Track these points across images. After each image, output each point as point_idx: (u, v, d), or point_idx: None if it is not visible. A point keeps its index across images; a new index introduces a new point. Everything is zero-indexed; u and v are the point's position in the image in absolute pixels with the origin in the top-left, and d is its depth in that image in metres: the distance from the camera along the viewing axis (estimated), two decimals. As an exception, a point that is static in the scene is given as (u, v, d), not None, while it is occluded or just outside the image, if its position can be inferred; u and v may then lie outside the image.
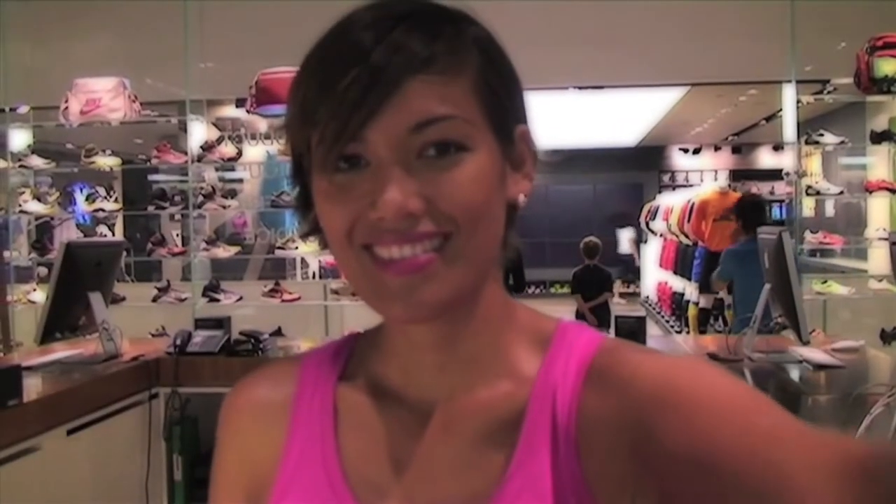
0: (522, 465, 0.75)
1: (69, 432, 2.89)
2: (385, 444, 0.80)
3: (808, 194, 5.63)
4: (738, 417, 0.63)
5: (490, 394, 0.78)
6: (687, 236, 9.24)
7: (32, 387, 2.89)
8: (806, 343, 3.32)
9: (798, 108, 5.21)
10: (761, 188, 11.66)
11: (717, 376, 0.69)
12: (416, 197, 0.69)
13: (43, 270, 6.39)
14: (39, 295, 5.25)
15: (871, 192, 5.57)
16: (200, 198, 5.26)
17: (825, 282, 5.41)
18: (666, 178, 13.78)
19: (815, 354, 3.43)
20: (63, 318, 3.47)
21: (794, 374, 3.31)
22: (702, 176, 13.04)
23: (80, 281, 3.46)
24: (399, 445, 0.80)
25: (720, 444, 0.62)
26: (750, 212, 5.57)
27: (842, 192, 5.83)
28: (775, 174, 9.91)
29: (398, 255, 0.70)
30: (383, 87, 0.68)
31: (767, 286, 3.57)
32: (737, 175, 13.03)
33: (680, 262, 9.99)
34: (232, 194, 5.57)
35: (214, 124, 6.10)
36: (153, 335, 4.77)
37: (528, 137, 0.79)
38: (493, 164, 0.73)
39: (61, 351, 3.58)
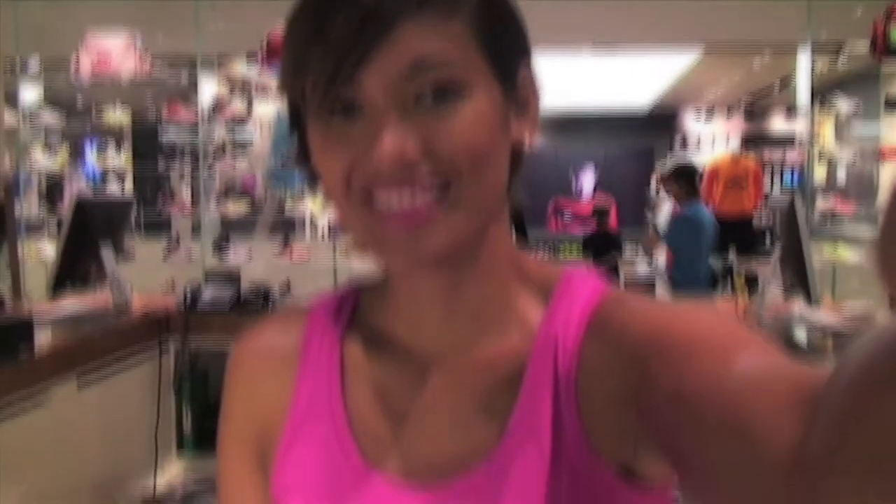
0: (523, 416, 0.75)
1: (79, 383, 2.91)
2: (390, 398, 0.81)
3: (819, 161, 5.60)
4: (722, 360, 0.63)
5: (494, 346, 0.79)
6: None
7: (43, 338, 2.91)
8: (815, 304, 3.32)
9: (812, 73, 5.17)
10: (773, 155, 11.59)
11: (712, 320, 0.69)
12: (414, 142, 0.68)
13: (53, 226, 6.42)
14: (50, 250, 5.27)
15: (883, 160, 5.54)
16: (211, 156, 5.25)
17: (835, 248, 5.40)
18: (677, 143, 13.70)
19: (824, 318, 3.43)
20: (73, 270, 3.48)
21: (802, 336, 3.31)
22: (713, 142, 12.95)
23: (90, 234, 3.48)
24: (403, 398, 0.80)
25: (705, 387, 0.62)
26: (690, 178, 5.63)
27: (854, 159, 5.80)
28: (787, 141, 9.85)
29: (397, 203, 0.69)
30: (376, 29, 0.66)
31: (777, 251, 3.56)
32: (749, 141, 12.95)
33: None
34: (242, 152, 5.57)
35: (225, 81, 6.07)
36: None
37: (531, 79, 0.78)
38: (494, 107, 0.72)
39: (72, 303, 3.60)
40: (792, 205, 3.34)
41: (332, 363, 0.83)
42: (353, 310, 0.86)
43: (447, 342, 0.79)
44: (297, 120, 0.77)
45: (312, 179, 0.77)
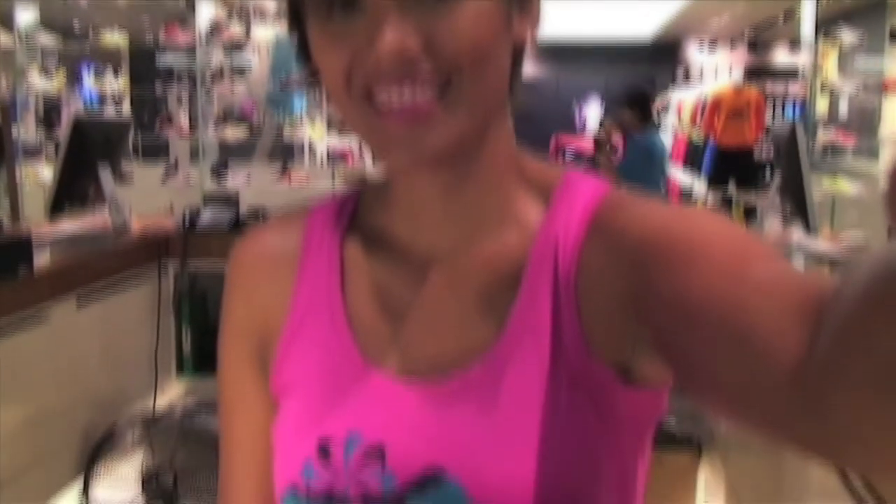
0: (523, 315, 0.75)
1: (79, 302, 2.92)
2: (389, 297, 0.81)
3: (822, 93, 5.56)
4: (728, 266, 0.62)
5: (494, 247, 0.79)
6: (699, 131, 9.18)
7: (42, 257, 2.92)
8: (814, 234, 3.33)
9: (817, 4, 5.10)
10: (775, 88, 11.52)
11: (715, 224, 0.69)
12: (415, 37, 0.67)
13: (51, 149, 6.39)
14: (48, 174, 5.26)
15: (887, 92, 5.50)
16: (209, 80, 5.21)
17: (835, 179, 5.39)
18: (679, 74, 13.60)
19: (823, 247, 3.44)
20: (72, 192, 3.48)
21: (800, 265, 3.32)
22: (716, 73, 12.86)
23: (88, 154, 3.46)
24: (403, 298, 0.80)
25: (709, 293, 0.62)
26: (645, 105, 5.54)
27: (857, 92, 5.76)
28: (790, 74, 9.78)
29: (398, 99, 0.68)
30: None
31: (777, 180, 3.56)
32: (751, 74, 12.85)
33: (690, 157, 9.94)
34: (240, 77, 5.53)
35: (223, 4, 5.99)
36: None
37: None
38: (495, 3, 0.71)
39: (70, 224, 3.60)
40: (793, 134, 3.33)
41: (331, 263, 0.83)
42: (353, 211, 0.86)
43: (446, 242, 0.79)
44: (297, 18, 0.76)
45: (313, 78, 0.76)
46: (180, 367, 3.57)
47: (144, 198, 4.85)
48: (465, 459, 0.73)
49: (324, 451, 0.77)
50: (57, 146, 4.75)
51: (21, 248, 2.70)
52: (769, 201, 3.58)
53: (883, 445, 0.49)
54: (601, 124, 5.82)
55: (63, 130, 3.51)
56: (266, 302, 0.85)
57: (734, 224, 0.70)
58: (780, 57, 12.65)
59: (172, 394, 3.51)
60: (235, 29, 5.20)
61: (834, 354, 0.49)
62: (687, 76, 13.08)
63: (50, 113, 7.11)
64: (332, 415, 0.78)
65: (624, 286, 0.71)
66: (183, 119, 6.84)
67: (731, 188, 6.64)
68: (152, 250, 3.42)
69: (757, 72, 12.87)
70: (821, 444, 0.54)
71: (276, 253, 0.86)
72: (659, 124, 11.64)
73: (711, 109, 8.49)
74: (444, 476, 0.73)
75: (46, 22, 6.47)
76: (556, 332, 0.74)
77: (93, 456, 2.98)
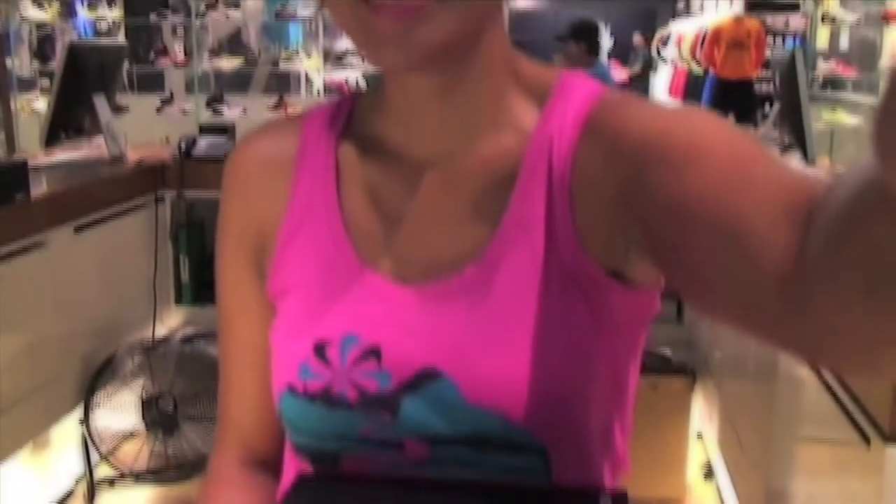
0: (516, 215, 0.76)
1: (76, 230, 2.92)
2: (384, 200, 0.81)
3: (822, 24, 5.50)
4: (724, 169, 0.63)
5: (489, 149, 0.78)
6: (699, 64, 9.10)
7: (39, 184, 2.91)
8: (812, 164, 3.32)
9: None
10: (776, 21, 11.39)
11: (713, 126, 0.69)
12: None
13: (46, 82, 6.33)
14: (43, 105, 5.22)
15: (888, 23, 5.45)
16: (203, 7, 5.15)
17: (834, 110, 5.36)
18: (680, 6, 13.43)
19: (820, 177, 3.43)
20: (67, 119, 3.46)
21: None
22: (717, 5, 12.69)
23: (83, 82, 3.43)
24: (398, 201, 0.80)
25: (704, 194, 0.62)
26: (591, 37, 5.41)
27: (858, 23, 5.70)
28: (791, 7, 9.67)
29: None
30: None
31: (776, 109, 3.54)
32: (752, 6, 12.70)
33: (690, 89, 9.88)
34: (235, 4, 5.46)
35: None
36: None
37: None
38: None
39: (66, 153, 3.58)
40: (792, 62, 3.30)
41: (327, 167, 0.83)
42: (349, 117, 0.86)
43: (440, 145, 0.79)
44: None
45: None
46: (179, 297, 3.58)
47: (140, 129, 4.82)
48: (459, 358, 0.74)
49: (320, 351, 0.78)
50: (51, 78, 4.72)
51: (17, 175, 2.69)
52: (767, 129, 3.56)
53: (866, 344, 0.50)
54: (552, 60, 5.69)
55: (58, 58, 3.48)
56: (262, 207, 0.85)
57: (732, 126, 0.70)
58: (782, -12, 12.47)
59: (171, 323, 3.52)
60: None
61: (822, 255, 0.50)
62: (688, 8, 12.92)
63: (44, 45, 7.03)
64: (329, 317, 0.79)
65: (619, 186, 0.71)
66: (178, 50, 6.77)
67: (731, 120, 6.61)
68: (148, 179, 3.40)
69: (758, 5, 12.71)
70: (807, 342, 0.55)
71: (272, 158, 0.86)
72: (658, 57, 11.55)
73: (711, 41, 8.41)
74: (439, 375, 0.74)
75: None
76: (550, 231, 0.74)
77: (93, 383, 3.01)
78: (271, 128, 0.90)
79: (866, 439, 1.51)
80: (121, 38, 8.06)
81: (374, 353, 0.76)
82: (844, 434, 1.60)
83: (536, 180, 0.76)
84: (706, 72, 8.75)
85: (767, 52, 8.04)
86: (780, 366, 2.15)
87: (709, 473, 3.15)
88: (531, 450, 0.74)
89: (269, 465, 0.91)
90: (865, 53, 8.08)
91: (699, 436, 3.28)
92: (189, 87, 6.03)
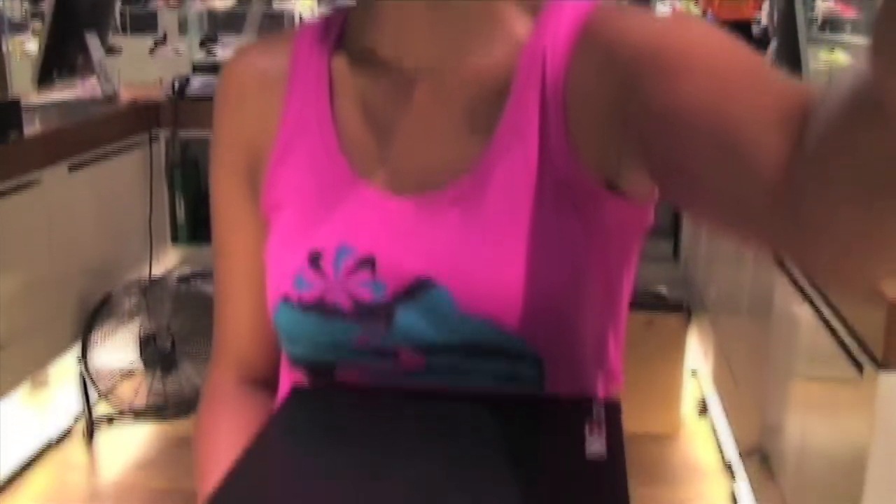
0: (510, 126, 0.76)
1: (70, 169, 2.91)
2: (377, 113, 0.81)
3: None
4: (718, 77, 0.62)
5: (481, 60, 0.78)
6: (697, 4, 9.00)
7: (32, 123, 2.89)
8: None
9: None
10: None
11: (708, 35, 0.68)
12: None
13: (38, 24, 6.26)
14: (34, 46, 5.16)
15: (889, -40, 5.38)
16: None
17: (832, 51, 5.32)
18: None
19: (813, 85, 3.41)
20: (60, 59, 3.43)
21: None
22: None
23: (75, 21, 3.40)
24: (390, 113, 0.80)
25: (698, 103, 0.62)
26: None
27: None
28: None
29: None
30: None
31: (773, 47, 3.51)
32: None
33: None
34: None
35: None
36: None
37: None
38: None
39: (59, 93, 3.56)
40: (791, 1, 3.27)
41: (319, 81, 0.83)
42: (340, 31, 0.85)
43: (433, 57, 0.78)
44: None
45: None
46: (175, 236, 3.58)
47: (133, 70, 4.78)
48: (453, 268, 0.74)
49: (315, 262, 0.78)
50: (42, 19, 4.65)
51: (10, 112, 2.67)
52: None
53: (854, 250, 0.50)
54: None
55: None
56: (255, 121, 0.85)
57: (727, 35, 0.70)
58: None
59: (167, 262, 3.53)
60: None
61: (814, 162, 0.50)
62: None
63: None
64: (323, 228, 0.79)
65: (613, 95, 0.71)
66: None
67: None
68: (142, 118, 3.38)
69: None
70: (797, 247, 0.56)
71: (265, 72, 0.86)
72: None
73: (710, -19, 8.31)
74: (433, 284, 0.74)
75: None
76: (544, 141, 0.74)
77: (90, 322, 3.02)
78: (263, 42, 0.90)
79: (859, 368, 1.52)
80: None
81: (369, 263, 0.77)
82: (838, 364, 1.61)
83: (530, 90, 0.75)
84: (704, 13, 8.67)
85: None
86: (775, 302, 2.16)
87: (703, 410, 3.18)
88: (525, 359, 0.75)
89: (266, 383, 0.92)
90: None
91: (693, 373, 3.31)
92: (182, 28, 5.96)
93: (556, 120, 0.74)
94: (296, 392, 0.81)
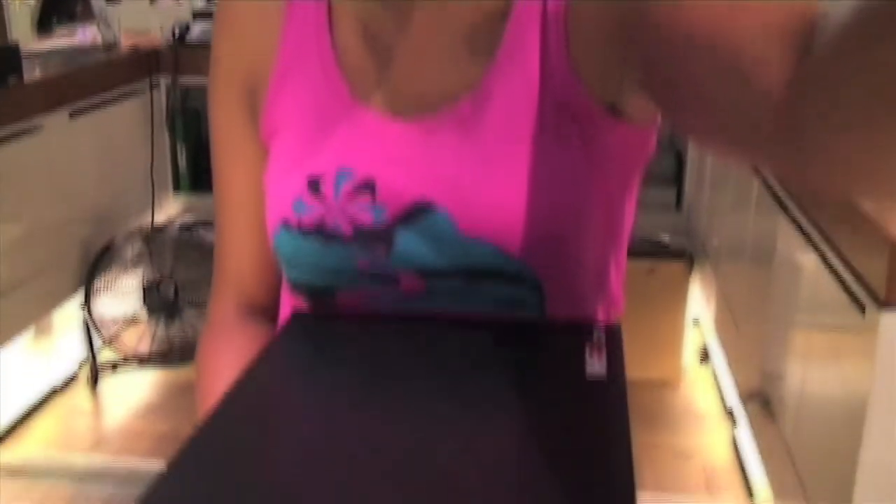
0: (510, 49, 0.75)
1: (71, 116, 2.89)
2: (376, 37, 0.80)
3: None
4: None
5: None
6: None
7: (32, 70, 2.87)
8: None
9: None
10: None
11: None
12: None
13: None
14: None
15: None
16: None
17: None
18: None
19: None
20: (59, 5, 3.40)
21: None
22: None
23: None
24: (390, 37, 0.79)
25: (700, 17, 0.60)
26: None
27: None
28: None
29: None
30: None
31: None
32: None
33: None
34: None
35: None
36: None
37: None
38: None
39: (59, 40, 3.53)
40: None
41: (318, 5, 0.82)
42: None
43: None
44: None
45: None
46: (177, 185, 3.57)
47: (133, 17, 4.72)
48: (454, 190, 0.74)
49: (314, 186, 0.77)
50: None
51: (9, 57, 2.65)
52: None
53: (855, 170, 0.50)
54: None
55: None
56: (254, 46, 0.84)
57: None
58: None
59: (169, 210, 3.52)
60: None
61: (820, 78, 0.49)
62: None
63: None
64: (322, 152, 0.78)
65: (614, 16, 0.70)
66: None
67: None
68: (143, 65, 3.36)
69: None
70: (797, 165, 0.55)
71: None
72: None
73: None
74: (433, 206, 0.74)
75: None
76: (545, 63, 0.73)
77: (92, 269, 3.02)
78: None
79: (861, 309, 1.52)
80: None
81: (369, 186, 0.76)
82: (840, 307, 1.61)
83: (530, 15, 0.74)
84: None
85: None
86: (778, 248, 2.15)
87: (704, 357, 3.19)
88: (525, 283, 0.75)
89: (266, 312, 0.92)
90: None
91: (696, 321, 3.32)
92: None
93: (558, 41, 0.73)
94: (296, 317, 0.81)
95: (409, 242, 0.75)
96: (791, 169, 0.57)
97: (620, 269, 0.84)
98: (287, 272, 0.82)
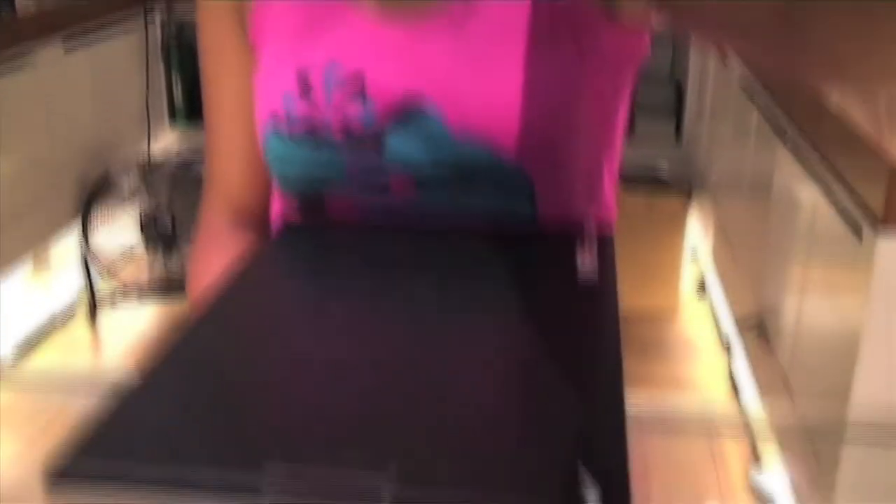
0: None
1: (65, 47, 2.86)
2: None
3: None
4: None
5: None
6: None
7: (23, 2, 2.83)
8: None
9: None
10: None
11: None
12: None
13: None
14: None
15: None
16: None
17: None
18: None
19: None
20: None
21: None
22: None
23: None
24: None
25: None
26: None
27: None
28: None
29: None
30: None
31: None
32: None
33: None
34: None
35: None
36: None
37: None
38: None
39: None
40: None
41: None
42: None
43: None
44: None
45: None
46: (172, 117, 3.55)
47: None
48: (445, 88, 0.73)
49: (303, 81, 0.76)
50: None
51: (0, -12, 2.62)
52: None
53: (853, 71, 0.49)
54: None
55: None
56: None
57: None
58: None
59: (165, 142, 3.50)
60: None
61: None
62: None
63: None
64: (311, 47, 0.77)
65: None
66: None
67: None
68: (137, -3, 3.32)
69: None
70: (793, 66, 0.54)
71: None
72: None
73: None
74: (424, 105, 0.73)
75: None
76: None
77: (89, 201, 3.01)
78: None
79: (858, 234, 1.51)
80: None
81: (358, 80, 0.75)
82: (837, 234, 1.61)
83: None
84: None
85: None
86: (776, 180, 2.14)
87: (702, 289, 3.19)
88: (517, 186, 0.74)
89: (257, 221, 0.91)
90: None
91: (694, 254, 3.31)
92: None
93: None
94: (288, 227, 0.80)
95: (400, 145, 0.74)
96: (786, 68, 0.56)
97: (613, 174, 0.83)
98: (278, 179, 0.81)
